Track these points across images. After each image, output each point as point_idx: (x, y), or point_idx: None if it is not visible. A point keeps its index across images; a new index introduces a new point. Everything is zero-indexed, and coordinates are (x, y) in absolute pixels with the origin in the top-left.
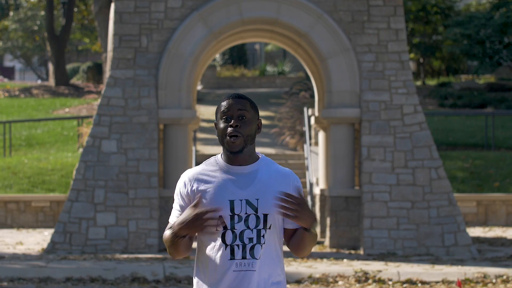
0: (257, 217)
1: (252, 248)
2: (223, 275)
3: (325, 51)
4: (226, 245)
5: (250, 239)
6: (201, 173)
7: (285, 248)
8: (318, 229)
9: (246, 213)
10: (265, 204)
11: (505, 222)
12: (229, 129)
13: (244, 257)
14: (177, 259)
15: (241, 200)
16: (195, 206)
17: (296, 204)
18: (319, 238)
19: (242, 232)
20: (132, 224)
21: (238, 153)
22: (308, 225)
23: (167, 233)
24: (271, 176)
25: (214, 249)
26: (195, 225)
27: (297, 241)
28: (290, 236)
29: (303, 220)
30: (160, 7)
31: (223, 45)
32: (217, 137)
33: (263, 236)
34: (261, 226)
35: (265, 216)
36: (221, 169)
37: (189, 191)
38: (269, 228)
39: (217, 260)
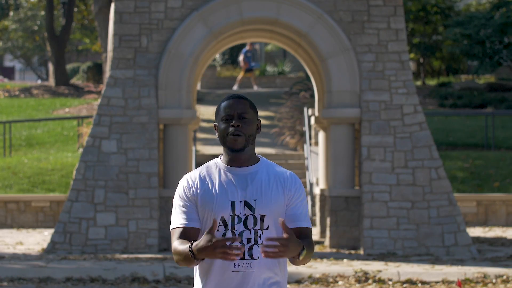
0: (255, 218)
1: (250, 248)
2: (222, 275)
3: (325, 51)
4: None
5: (249, 240)
6: (202, 175)
7: None
8: (318, 229)
9: (245, 214)
10: (263, 205)
11: (505, 222)
12: (231, 128)
13: (242, 258)
14: None
15: (240, 201)
16: (211, 232)
17: (281, 245)
18: (319, 238)
19: (241, 233)
20: (132, 224)
21: (239, 151)
22: (295, 255)
23: (180, 249)
24: (270, 178)
25: None
26: (215, 253)
27: (291, 260)
28: None
29: (290, 254)
30: (160, 7)
31: (223, 45)
32: (217, 138)
33: (260, 236)
34: (258, 227)
35: (262, 217)
36: (222, 171)
37: (193, 192)
38: (267, 228)
39: (217, 260)
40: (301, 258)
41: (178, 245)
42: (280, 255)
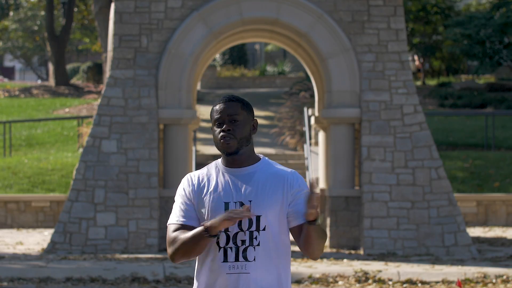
0: (250, 219)
1: (245, 250)
2: (217, 278)
3: (325, 51)
4: (220, 248)
5: (243, 241)
6: (201, 176)
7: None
8: None
9: None
10: (258, 206)
11: (505, 222)
12: (221, 133)
13: (236, 260)
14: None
15: (235, 203)
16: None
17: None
18: None
19: (235, 235)
20: (132, 224)
21: (233, 154)
22: (315, 216)
23: (187, 234)
24: (268, 178)
25: (209, 252)
26: (230, 217)
27: (305, 238)
28: (298, 235)
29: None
30: (160, 7)
31: (223, 45)
32: None
33: (256, 238)
34: (253, 228)
35: (258, 217)
36: (220, 172)
37: (192, 191)
38: (263, 229)
39: (212, 262)
40: (317, 223)
41: (180, 233)
42: (318, 210)
